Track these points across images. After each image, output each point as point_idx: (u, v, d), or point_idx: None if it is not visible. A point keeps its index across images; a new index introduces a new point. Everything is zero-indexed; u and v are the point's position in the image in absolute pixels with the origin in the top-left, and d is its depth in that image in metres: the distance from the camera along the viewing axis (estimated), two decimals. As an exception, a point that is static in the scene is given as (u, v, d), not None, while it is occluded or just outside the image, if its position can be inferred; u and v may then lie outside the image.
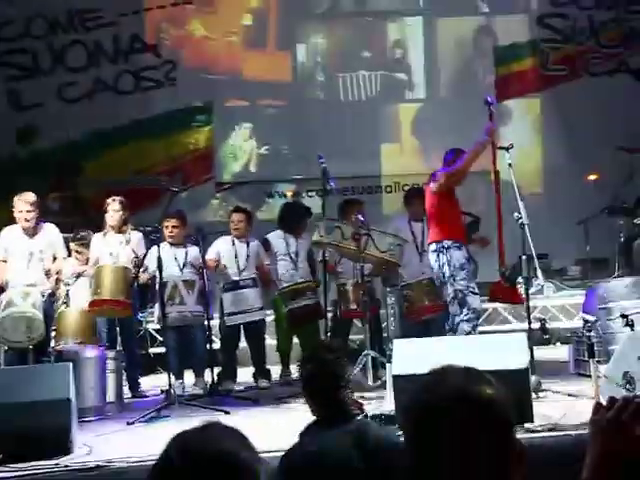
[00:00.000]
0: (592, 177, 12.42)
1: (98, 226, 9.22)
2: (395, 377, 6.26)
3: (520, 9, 14.12)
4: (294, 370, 9.36)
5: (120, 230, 8.96)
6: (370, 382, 7.64)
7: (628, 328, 7.23)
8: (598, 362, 6.88)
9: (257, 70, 13.65)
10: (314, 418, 3.97)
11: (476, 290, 7.99)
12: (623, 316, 7.55)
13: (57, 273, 8.92)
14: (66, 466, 5.57)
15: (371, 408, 6.62)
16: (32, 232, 8.87)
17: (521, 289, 7.93)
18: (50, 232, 9.04)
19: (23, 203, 8.75)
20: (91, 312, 8.43)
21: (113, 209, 8.93)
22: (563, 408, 6.48)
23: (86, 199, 12.03)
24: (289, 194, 12.77)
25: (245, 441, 1.86)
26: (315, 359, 4.12)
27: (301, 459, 3.74)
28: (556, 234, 11.43)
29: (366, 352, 7.78)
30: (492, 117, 8.01)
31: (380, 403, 6.83)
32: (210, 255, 9.15)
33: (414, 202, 9.66)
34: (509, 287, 7.98)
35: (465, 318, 7.80)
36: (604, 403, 3.06)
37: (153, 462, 1.88)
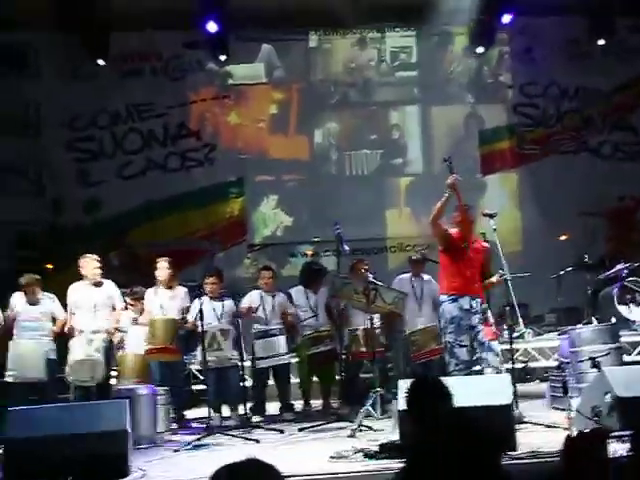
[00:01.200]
0: (563, 237, 12.41)
1: (149, 282, 9.27)
2: (400, 412, 6.29)
3: (499, 100, 14.28)
4: (314, 404, 9.51)
5: (168, 286, 9.03)
6: (378, 415, 7.60)
7: (595, 369, 7.27)
8: (570, 398, 6.91)
9: (281, 151, 13.77)
10: None
11: (464, 343, 7.67)
12: (591, 359, 7.59)
13: (117, 322, 9.01)
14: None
15: (380, 438, 6.58)
16: (96, 286, 8.98)
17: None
18: (110, 287, 9.13)
19: (92, 261, 8.97)
20: (147, 357, 8.50)
21: (162, 267, 9.02)
22: (542, 438, 6.43)
23: (139, 258, 12.09)
24: (309, 254, 12.74)
25: (280, 477, 1.92)
26: None
27: None
28: (534, 286, 11.36)
29: (376, 389, 7.74)
30: (452, 172, 7.94)
31: (387, 434, 6.74)
32: (244, 304, 9.18)
33: (416, 265, 9.82)
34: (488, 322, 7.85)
35: (456, 369, 7.60)
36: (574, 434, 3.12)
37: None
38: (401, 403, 6.28)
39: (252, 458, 1.98)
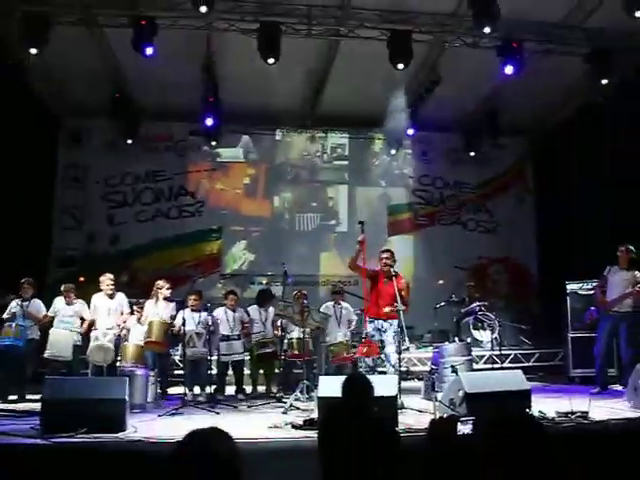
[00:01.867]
0: (440, 282, 12.51)
1: (146, 295, 9.25)
2: (319, 398, 6.31)
3: (403, 185, 14.40)
4: (260, 389, 9.47)
5: (165, 300, 8.99)
6: (304, 399, 7.59)
7: (454, 373, 7.37)
8: (436, 392, 6.99)
9: (250, 210, 13.73)
10: None
11: None
12: (452, 366, 7.69)
13: (124, 322, 8.95)
14: (121, 438, 5.61)
15: (304, 415, 6.61)
16: (110, 296, 8.96)
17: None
18: (121, 297, 9.12)
19: (108, 279, 9.01)
20: (145, 347, 8.44)
21: (163, 287, 9.00)
22: (415, 419, 6.54)
23: (138, 278, 12.06)
24: (264, 282, 12.70)
25: (235, 445, 1.96)
26: None
27: None
28: (419, 314, 11.42)
29: (303, 381, 7.78)
30: (362, 232, 7.78)
31: (310, 413, 6.75)
32: (213, 317, 9.10)
33: (336, 297, 9.86)
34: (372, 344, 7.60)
35: (363, 370, 7.48)
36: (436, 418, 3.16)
37: (173, 440, 1.95)
38: (320, 392, 6.35)
39: (214, 427, 2.03)
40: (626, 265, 8.16)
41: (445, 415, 4.63)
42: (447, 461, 2.60)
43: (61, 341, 8.73)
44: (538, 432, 2.09)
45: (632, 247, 8.19)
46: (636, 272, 8.12)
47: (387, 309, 7.58)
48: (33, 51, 8.93)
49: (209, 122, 11.88)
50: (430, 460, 2.57)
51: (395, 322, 7.62)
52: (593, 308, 8.74)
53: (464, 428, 4.95)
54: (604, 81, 10.16)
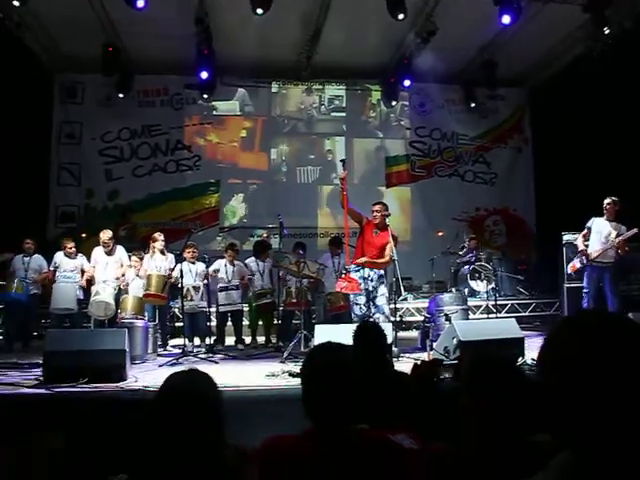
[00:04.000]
0: (440, 233, 12.53)
1: (145, 249, 9.36)
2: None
3: (400, 136, 14.32)
4: (259, 340, 9.62)
5: (162, 252, 9.07)
6: (302, 349, 7.61)
7: (448, 322, 7.48)
8: (432, 341, 7.10)
9: (247, 163, 13.69)
10: None
11: (358, 302, 7.55)
12: (446, 315, 7.81)
13: (122, 275, 9.05)
14: (122, 387, 5.70)
15: (301, 365, 6.73)
16: (109, 251, 9.05)
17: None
18: (120, 251, 9.21)
19: (107, 236, 9.03)
20: (144, 300, 8.50)
21: (159, 240, 9.05)
22: (410, 367, 6.65)
23: (141, 233, 12.10)
24: (264, 235, 12.69)
25: (211, 381, 2.03)
26: None
27: None
28: (417, 265, 11.59)
29: (301, 331, 7.81)
30: (344, 169, 7.67)
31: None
32: (211, 269, 9.26)
33: (333, 246, 9.90)
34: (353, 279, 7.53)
35: (355, 320, 7.39)
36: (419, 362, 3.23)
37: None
38: (317, 340, 6.43)
39: (193, 368, 2.10)
40: (612, 217, 8.27)
41: (426, 359, 4.74)
42: (429, 402, 2.67)
43: (65, 295, 8.90)
44: (518, 378, 2.10)
45: (617, 199, 8.27)
46: (620, 225, 8.24)
47: (363, 259, 7.55)
48: (16, 3, 8.85)
49: (204, 75, 11.78)
50: (413, 401, 2.65)
51: (380, 272, 7.64)
52: (576, 259, 8.87)
53: (445, 372, 5.09)
54: (603, 31, 10.05)
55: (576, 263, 8.87)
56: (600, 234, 8.33)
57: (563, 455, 1.17)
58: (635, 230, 8.01)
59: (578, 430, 1.13)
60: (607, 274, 8.29)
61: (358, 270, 7.66)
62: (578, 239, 8.72)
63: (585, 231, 8.54)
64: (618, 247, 8.15)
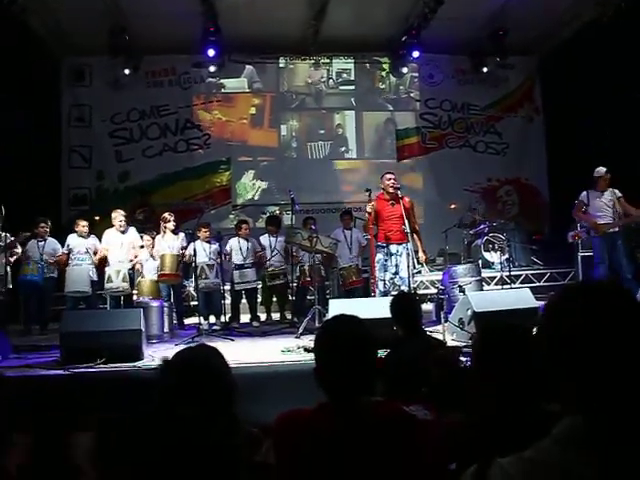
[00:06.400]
0: (452, 206, 12.44)
1: (158, 230, 9.36)
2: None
3: (410, 108, 14.19)
4: (274, 316, 9.66)
5: (173, 232, 9.09)
6: (317, 324, 7.53)
7: (462, 293, 7.47)
8: (446, 312, 7.08)
9: (257, 140, 13.63)
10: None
11: (382, 278, 7.70)
12: (460, 287, 7.79)
13: (135, 257, 9.08)
14: (139, 367, 5.76)
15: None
16: (122, 232, 9.06)
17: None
18: (132, 232, 9.24)
19: (120, 215, 9.09)
20: (159, 281, 8.59)
21: (171, 220, 9.06)
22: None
23: (156, 214, 12.11)
24: (276, 212, 12.65)
25: (220, 356, 2.03)
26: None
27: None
28: (431, 238, 11.46)
29: (315, 306, 7.79)
30: (370, 199, 7.86)
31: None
32: (226, 249, 9.27)
33: (345, 218, 9.86)
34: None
35: (382, 290, 7.67)
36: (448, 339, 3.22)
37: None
38: (330, 315, 6.44)
39: (202, 343, 2.10)
40: (605, 188, 8.36)
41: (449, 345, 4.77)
42: (449, 386, 2.67)
43: (79, 277, 8.93)
44: (527, 345, 2.06)
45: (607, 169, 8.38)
46: (614, 190, 8.36)
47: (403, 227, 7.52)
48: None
49: (211, 53, 11.74)
50: (434, 386, 2.65)
51: (408, 245, 7.62)
52: (581, 228, 8.86)
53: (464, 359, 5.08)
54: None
55: (581, 233, 8.87)
56: (601, 205, 8.38)
57: (567, 421, 1.16)
58: None
59: (582, 397, 1.14)
60: (619, 239, 8.28)
61: (384, 247, 7.75)
62: (576, 213, 8.71)
63: (580, 205, 8.59)
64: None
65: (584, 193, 8.54)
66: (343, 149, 13.93)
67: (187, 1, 10.30)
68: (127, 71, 12.44)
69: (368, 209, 7.81)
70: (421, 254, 7.86)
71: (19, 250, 8.85)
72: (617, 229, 8.29)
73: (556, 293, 1.26)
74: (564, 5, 11.60)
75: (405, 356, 3.73)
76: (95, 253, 9.15)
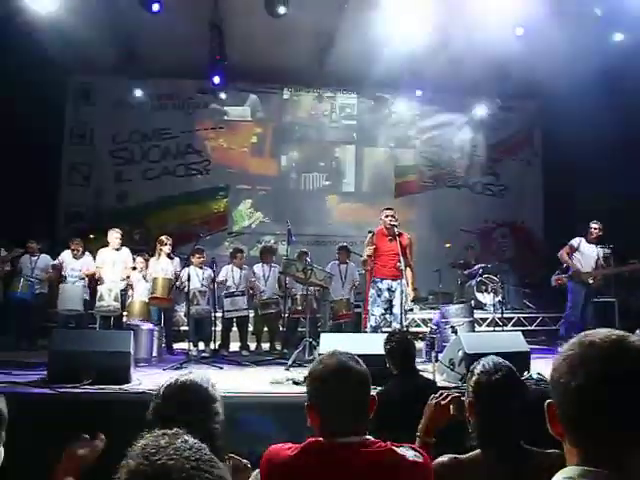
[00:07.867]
0: (447, 245, 12.51)
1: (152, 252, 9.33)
2: (320, 355, 6.35)
3: (410, 146, 14.32)
4: (264, 347, 9.61)
5: (169, 256, 9.07)
6: (307, 356, 7.56)
7: (454, 334, 7.44)
8: (437, 352, 7.04)
9: (257, 168, 13.72)
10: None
11: (374, 313, 7.74)
12: (452, 327, 7.77)
13: (127, 277, 9.05)
14: (126, 390, 5.69)
15: (305, 372, 6.68)
16: (116, 250, 9.05)
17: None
18: (126, 252, 9.21)
19: (116, 233, 9.06)
20: (149, 303, 8.54)
21: (167, 243, 9.04)
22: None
23: (152, 236, 12.10)
24: (271, 242, 12.71)
25: (211, 383, 2.03)
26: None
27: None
28: (424, 276, 11.47)
29: (306, 339, 7.75)
30: (372, 241, 7.92)
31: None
32: (220, 277, 9.27)
33: (341, 253, 9.87)
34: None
35: (369, 331, 7.70)
36: (438, 380, 3.20)
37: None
38: (322, 349, 6.41)
39: (192, 371, 2.09)
40: (596, 241, 8.85)
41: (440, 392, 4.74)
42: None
43: (71, 294, 8.90)
44: (519, 389, 2.19)
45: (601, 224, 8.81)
46: (604, 248, 9.01)
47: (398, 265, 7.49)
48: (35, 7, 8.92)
49: (216, 80, 11.81)
50: (425, 430, 2.64)
51: (403, 281, 7.57)
52: (565, 275, 9.10)
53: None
54: (616, 38, 10.31)
55: (563, 277, 9.08)
56: (588, 256, 8.84)
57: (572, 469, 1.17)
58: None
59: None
60: (591, 291, 8.85)
61: (379, 281, 7.78)
62: (562, 254, 9.00)
63: (568, 249, 8.95)
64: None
65: (577, 239, 8.90)
66: (339, 182, 14.05)
67: (195, 27, 10.41)
68: (137, 93, 12.58)
69: (368, 253, 7.79)
70: (409, 290, 7.71)
71: (8, 268, 8.85)
72: (592, 281, 8.75)
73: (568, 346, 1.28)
74: (567, 54, 11.73)
75: (397, 395, 3.72)
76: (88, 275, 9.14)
